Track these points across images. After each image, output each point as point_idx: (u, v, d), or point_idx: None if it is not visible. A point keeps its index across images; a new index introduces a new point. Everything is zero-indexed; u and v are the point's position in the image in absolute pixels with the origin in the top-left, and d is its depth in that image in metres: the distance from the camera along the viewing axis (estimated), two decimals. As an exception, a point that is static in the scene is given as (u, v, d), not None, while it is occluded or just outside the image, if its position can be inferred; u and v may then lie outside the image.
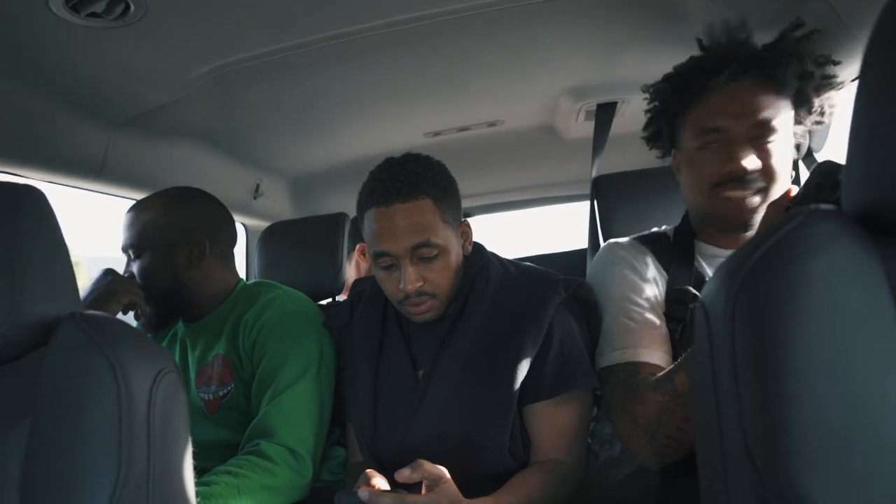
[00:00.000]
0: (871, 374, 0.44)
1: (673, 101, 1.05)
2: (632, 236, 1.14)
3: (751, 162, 0.94)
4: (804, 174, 1.59)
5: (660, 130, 1.11)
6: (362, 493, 0.79)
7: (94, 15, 0.90)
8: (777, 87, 0.96)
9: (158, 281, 1.21)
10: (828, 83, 0.99)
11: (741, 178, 0.95)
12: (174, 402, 0.65)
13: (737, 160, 0.94)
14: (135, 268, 1.23)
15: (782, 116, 0.96)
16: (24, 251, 0.64)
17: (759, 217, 0.96)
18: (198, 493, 0.75)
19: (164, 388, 0.64)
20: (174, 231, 1.22)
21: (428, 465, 0.83)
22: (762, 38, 1.00)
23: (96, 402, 0.58)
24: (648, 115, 1.12)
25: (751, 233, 1.00)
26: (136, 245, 1.22)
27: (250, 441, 1.09)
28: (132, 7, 0.90)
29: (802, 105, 0.99)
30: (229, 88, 1.24)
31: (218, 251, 1.27)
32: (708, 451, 0.52)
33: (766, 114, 0.94)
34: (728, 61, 0.97)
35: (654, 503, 1.03)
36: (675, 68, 1.05)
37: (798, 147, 1.05)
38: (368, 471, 0.85)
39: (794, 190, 0.85)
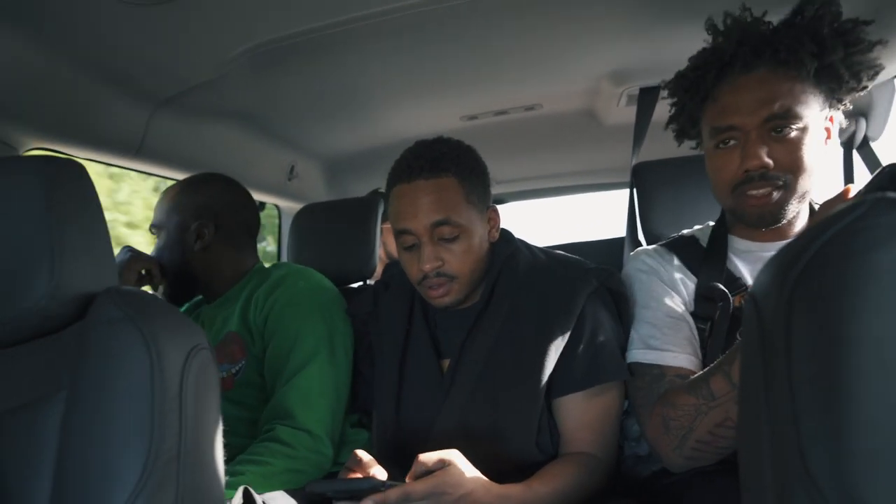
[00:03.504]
0: None
1: (688, 100, 1.01)
2: (658, 243, 1.12)
3: (767, 158, 0.89)
4: (858, 166, 1.51)
5: (684, 129, 1.07)
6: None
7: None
8: (795, 71, 0.89)
9: (170, 259, 1.28)
10: (857, 51, 0.90)
11: (762, 176, 0.90)
12: (206, 380, 0.65)
13: (752, 158, 0.90)
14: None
15: (805, 101, 0.90)
16: (63, 225, 0.65)
17: (786, 211, 0.93)
18: (227, 484, 0.75)
19: (197, 364, 0.64)
20: (184, 213, 1.27)
21: (423, 457, 0.84)
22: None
23: (129, 377, 0.59)
24: (671, 111, 1.08)
25: (784, 224, 0.96)
26: (156, 225, 1.30)
27: (268, 423, 1.10)
28: (172, -16, 0.90)
29: (832, 83, 0.91)
30: (266, 68, 1.24)
31: (225, 235, 1.30)
32: (753, 452, 0.49)
33: (782, 102, 0.89)
34: (734, 52, 0.92)
35: (683, 501, 1.00)
36: (687, 63, 1.00)
37: (841, 132, 0.98)
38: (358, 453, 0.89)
39: (853, 190, 0.79)
